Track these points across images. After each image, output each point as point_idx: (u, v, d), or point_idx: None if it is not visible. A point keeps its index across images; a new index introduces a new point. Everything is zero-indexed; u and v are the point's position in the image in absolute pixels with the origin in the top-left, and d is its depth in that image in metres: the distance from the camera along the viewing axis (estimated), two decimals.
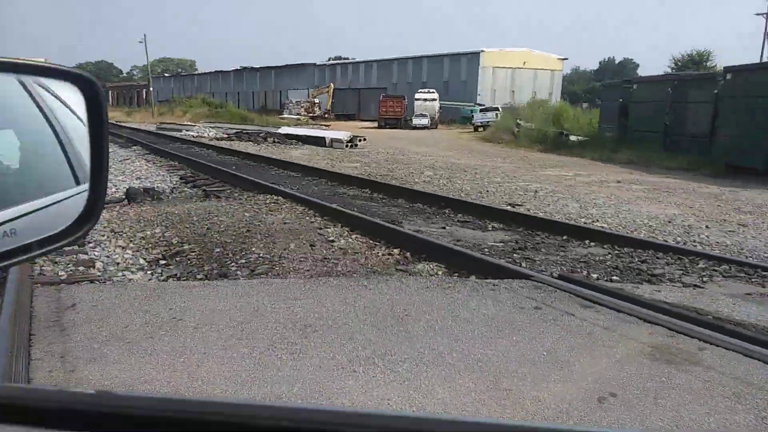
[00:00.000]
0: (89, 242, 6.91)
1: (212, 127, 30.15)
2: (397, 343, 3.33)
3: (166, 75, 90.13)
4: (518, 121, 27.34)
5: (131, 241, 7.05)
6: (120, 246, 6.80)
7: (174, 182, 11.85)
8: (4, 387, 0.88)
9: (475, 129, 43.53)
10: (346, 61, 76.69)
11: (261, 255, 6.06)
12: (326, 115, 60.30)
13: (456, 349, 3.24)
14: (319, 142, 24.16)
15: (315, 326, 3.61)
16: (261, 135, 25.10)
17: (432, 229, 7.17)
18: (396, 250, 5.97)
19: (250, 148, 21.13)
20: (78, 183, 1.03)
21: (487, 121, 43.81)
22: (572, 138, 20.94)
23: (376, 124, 49.00)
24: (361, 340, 3.39)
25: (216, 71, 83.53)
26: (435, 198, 9.05)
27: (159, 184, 11.31)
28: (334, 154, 19.70)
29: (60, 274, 5.69)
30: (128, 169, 13.47)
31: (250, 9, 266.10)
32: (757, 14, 56.02)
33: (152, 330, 3.63)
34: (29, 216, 0.95)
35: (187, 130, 28.51)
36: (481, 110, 46.29)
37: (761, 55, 54.97)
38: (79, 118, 1.01)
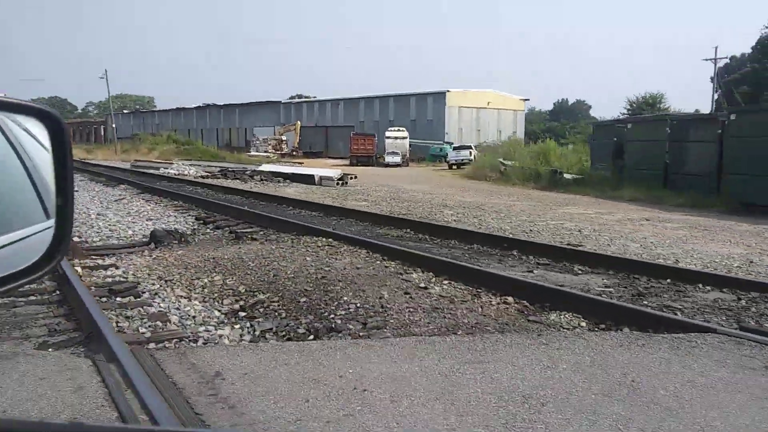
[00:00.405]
0: (144, 291, 6.16)
1: (190, 165, 29.16)
2: (659, 418, 2.82)
3: (125, 111, 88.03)
4: (502, 160, 27.48)
5: (191, 289, 6.33)
6: (182, 296, 6.08)
7: (191, 223, 11.06)
8: None
9: (450, 167, 43.94)
10: (312, 99, 76.66)
11: (358, 305, 5.46)
12: (294, 153, 59.94)
13: (734, 423, 2.76)
14: (307, 179, 23.58)
15: (536, 397, 3.05)
16: (246, 173, 24.34)
17: (517, 274, 6.71)
18: (510, 298, 5.47)
19: (241, 185, 20.41)
20: (48, 217, 1.02)
21: (462, 159, 44.38)
22: (566, 176, 21.09)
23: (346, 162, 48.72)
24: (611, 415, 2.86)
25: (178, 108, 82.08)
26: (495, 239, 8.60)
27: (177, 226, 10.52)
28: (330, 192, 19.16)
29: (141, 330, 4.96)
30: (132, 210, 12.57)
31: (211, 46, 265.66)
32: (705, 59, 59.27)
33: (344, 404, 3.01)
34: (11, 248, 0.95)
35: (164, 168, 27.47)
36: (454, 148, 46.67)
37: (712, 99, 57.90)
38: (48, 152, 0.99)
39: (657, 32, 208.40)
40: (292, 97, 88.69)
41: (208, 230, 10.35)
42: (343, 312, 5.33)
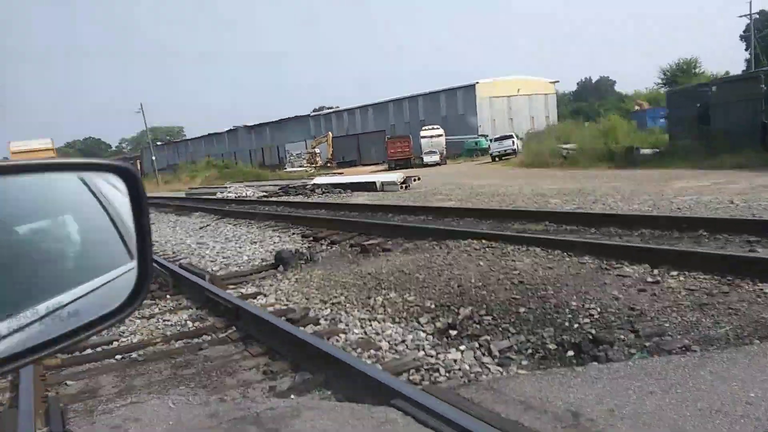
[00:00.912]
0: (320, 318, 5.44)
1: (244, 186, 28.78)
2: None
3: (159, 143, 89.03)
4: (562, 145, 26.38)
5: (370, 310, 5.58)
6: (365, 318, 5.34)
7: (300, 240, 10.39)
8: None
9: (493, 159, 42.74)
10: (340, 109, 76.22)
11: (599, 309, 4.63)
12: (328, 164, 59.45)
13: None
14: (367, 186, 22.87)
15: None
16: (307, 187, 23.76)
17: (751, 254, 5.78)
18: None
19: (310, 199, 19.85)
20: (132, 258, 1.11)
21: (505, 150, 43.16)
22: (644, 151, 19.94)
23: (383, 167, 47.98)
24: None
25: (209, 134, 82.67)
26: (672, 220, 7.60)
27: (289, 245, 9.85)
28: (403, 196, 18.37)
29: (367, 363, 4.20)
30: (229, 235, 11.97)
31: (230, 70, 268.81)
32: (741, 16, 56.73)
33: None
34: (89, 295, 1.03)
35: (221, 192, 27.13)
36: (495, 140, 45.45)
37: (752, 55, 55.55)
38: (111, 202, 1.12)
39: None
40: (315, 110, 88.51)
41: (324, 246, 9.63)
42: (587, 320, 4.51)
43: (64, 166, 1.09)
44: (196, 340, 5.17)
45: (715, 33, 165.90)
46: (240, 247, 10.28)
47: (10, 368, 0.85)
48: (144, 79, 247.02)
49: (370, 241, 9.02)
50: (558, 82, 72.86)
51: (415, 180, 22.28)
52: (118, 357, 4.86)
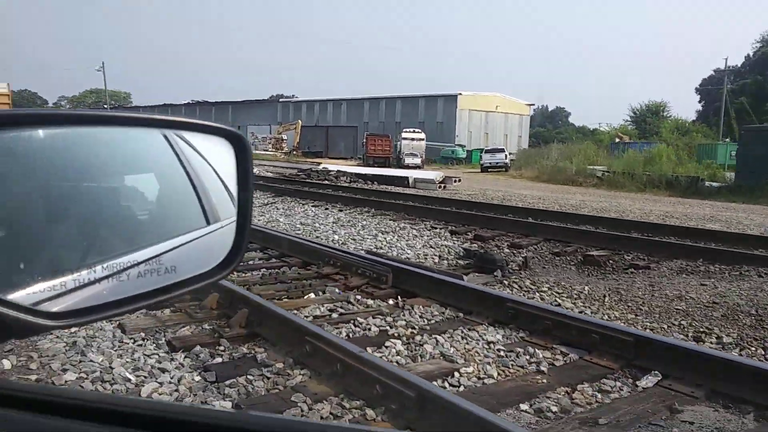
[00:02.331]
0: None
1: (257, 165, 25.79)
2: None
3: (106, 107, 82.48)
4: (596, 167, 25.10)
5: None
6: None
7: (448, 237, 8.05)
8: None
9: (483, 170, 41.75)
10: (314, 99, 73.25)
11: None
12: (294, 152, 57.39)
13: None
14: (395, 182, 20.62)
15: None
16: (331, 173, 21.21)
17: None
18: None
19: (362, 187, 17.42)
20: (208, 223, 1.09)
21: (497, 162, 42.27)
22: (712, 184, 18.83)
23: (354, 162, 45.91)
24: None
25: (164, 104, 77.32)
26: None
27: (444, 242, 7.53)
28: (463, 194, 16.30)
29: None
30: (346, 221, 9.39)
31: (188, 41, 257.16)
32: (716, 69, 59.15)
33: None
34: (188, 251, 1.02)
35: None
36: (486, 151, 44.85)
37: (724, 109, 57.41)
38: (210, 165, 1.09)
39: (634, 40, 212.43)
40: (271, 97, 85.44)
41: (494, 248, 7.39)
42: None
43: (178, 124, 1.07)
44: None
45: (672, 82, 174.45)
46: (374, 237, 7.85)
47: (95, 318, 0.82)
48: (94, 36, 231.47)
49: (594, 252, 6.84)
50: (534, 105, 73.17)
51: (456, 181, 20.23)
52: None
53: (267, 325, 3.77)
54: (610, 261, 6.26)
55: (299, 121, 62.25)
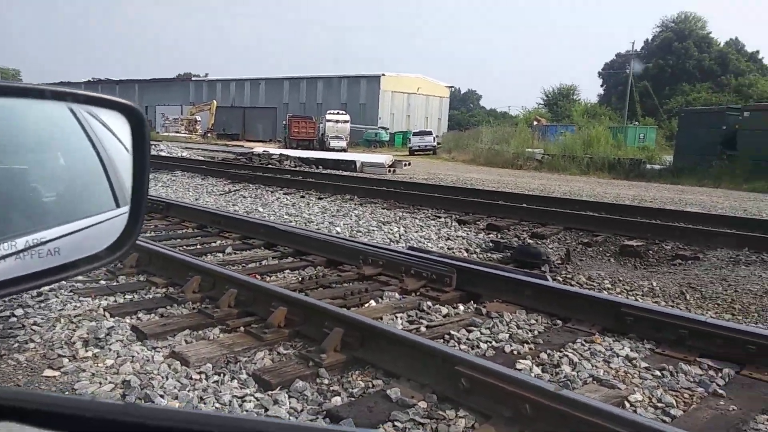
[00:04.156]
0: None
1: (178, 148, 24.05)
2: None
3: None
4: (534, 150, 25.46)
5: None
6: None
7: (454, 226, 7.54)
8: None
9: (411, 152, 41.60)
10: (230, 78, 70.05)
11: None
12: (208, 134, 55.11)
13: None
14: (341, 166, 19.90)
15: None
16: (273, 158, 20.09)
17: None
18: None
19: (318, 171, 16.48)
20: (118, 205, 1.05)
21: (426, 145, 42.26)
22: (653, 166, 19.44)
23: (274, 145, 44.59)
24: None
25: (62, 82, 71.20)
26: None
27: (457, 232, 7.04)
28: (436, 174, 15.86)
29: None
30: (337, 210, 8.59)
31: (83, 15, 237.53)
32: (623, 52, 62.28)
33: None
34: (73, 235, 0.98)
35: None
36: (414, 134, 44.79)
37: (630, 95, 60.61)
38: (122, 143, 1.04)
39: (540, 23, 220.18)
40: (179, 75, 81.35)
41: (515, 239, 6.98)
42: None
43: (62, 95, 1.00)
44: None
45: (576, 66, 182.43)
46: (379, 228, 7.21)
47: None
48: None
49: (630, 242, 6.54)
50: (453, 87, 74.03)
51: (405, 165, 19.75)
52: None
53: (373, 348, 3.08)
54: (650, 251, 5.99)
55: (214, 101, 59.51)
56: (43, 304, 3.73)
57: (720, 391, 2.90)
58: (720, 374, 3.15)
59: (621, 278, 5.10)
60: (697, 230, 6.60)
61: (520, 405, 2.38)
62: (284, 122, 50.42)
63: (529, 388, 2.41)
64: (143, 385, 2.81)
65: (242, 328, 3.51)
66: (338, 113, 50.06)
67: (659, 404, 2.77)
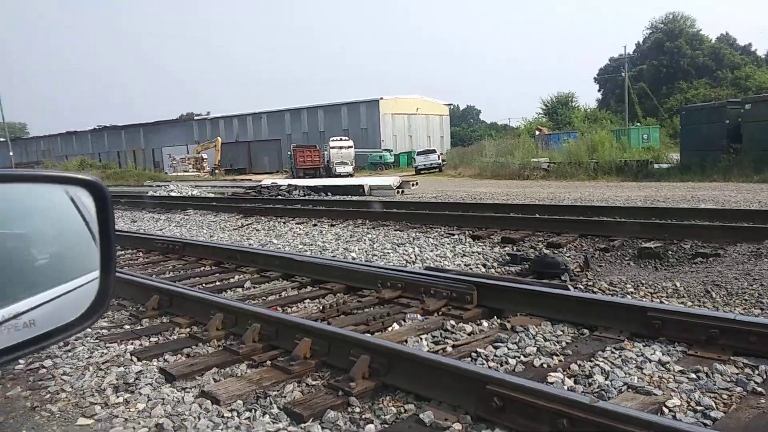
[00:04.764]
0: None
1: (187, 186, 24.33)
2: None
3: (1, 140, 76.18)
4: (539, 159, 25.48)
5: None
6: None
7: (469, 242, 7.52)
8: None
9: (417, 172, 41.71)
10: (232, 115, 70.83)
11: None
12: (216, 171, 55.68)
13: None
14: (350, 190, 19.96)
15: None
16: (282, 188, 20.22)
17: None
18: None
19: (322, 198, 16.54)
20: (82, 274, 1.06)
21: (431, 164, 42.44)
22: (661, 165, 19.37)
23: (281, 176, 44.89)
24: None
25: (68, 132, 72.24)
26: None
27: (472, 248, 7.02)
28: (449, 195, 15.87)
29: None
30: (369, 238, 8.62)
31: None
32: (616, 56, 62.40)
33: None
34: (46, 305, 0.98)
35: (160, 190, 22.47)
36: (419, 153, 45.05)
37: (629, 98, 60.69)
38: (85, 216, 1.08)
39: (533, 35, 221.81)
40: (182, 116, 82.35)
41: (531, 250, 6.95)
42: None
43: (23, 177, 1.06)
44: None
45: (572, 73, 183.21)
46: (394, 250, 7.20)
47: None
48: None
49: (647, 244, 6.51)
50: (452, 105, 74.42)
51: (414, 185, 19.80)
52: None
53: (402, 373, 3.06)
54: (669, 252, 5.95)
55: (218, 138, 60.20)
56: (70, 353, 3.74)
57: (759, 389, 2.85)
58: (756, 371, 3.09)
59: (643, 281, 5.05)
60: (714, 226, 6.54)
61: (557, 420, 2.35)
62: (289, 153, 50.77)
63: (564, 402, 2.38)
64: (176, 427, 2.81)
65: (269, 362, 3.51)
66: (341, 139, 50.45)
67: (698, 407, 2.72)
